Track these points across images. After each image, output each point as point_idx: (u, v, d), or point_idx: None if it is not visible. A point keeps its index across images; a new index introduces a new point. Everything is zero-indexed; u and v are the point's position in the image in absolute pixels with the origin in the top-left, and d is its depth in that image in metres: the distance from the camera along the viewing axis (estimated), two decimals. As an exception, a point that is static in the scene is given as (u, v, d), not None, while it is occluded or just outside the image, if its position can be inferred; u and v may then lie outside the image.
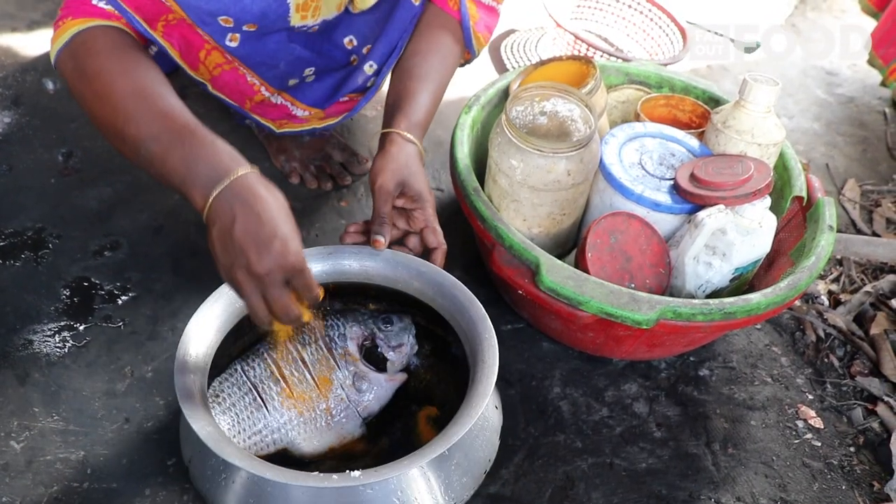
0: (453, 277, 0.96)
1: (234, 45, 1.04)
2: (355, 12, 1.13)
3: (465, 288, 0.95)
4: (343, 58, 1.22)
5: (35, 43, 1.61)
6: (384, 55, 1.19)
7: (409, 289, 0.98)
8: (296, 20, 1.03)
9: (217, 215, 0.78)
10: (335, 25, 1.16)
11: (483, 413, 0.84)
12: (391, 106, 1.08)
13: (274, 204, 0.78)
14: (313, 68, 1.20)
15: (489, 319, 0.91)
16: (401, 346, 0.97)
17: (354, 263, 0.99)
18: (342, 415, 0.92)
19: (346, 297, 1.04)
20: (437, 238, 0.99)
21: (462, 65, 1.24)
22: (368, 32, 1.18)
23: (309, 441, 0.91)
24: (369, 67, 1.21)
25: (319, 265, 0.98)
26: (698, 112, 1.22)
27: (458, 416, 0.81)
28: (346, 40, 1.19)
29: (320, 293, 0.82)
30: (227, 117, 1.45)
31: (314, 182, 1.34)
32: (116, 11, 0.92)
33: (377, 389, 0.94)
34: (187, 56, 1.05)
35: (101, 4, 0.92)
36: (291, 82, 1.20)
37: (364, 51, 1.21)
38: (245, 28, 1.02)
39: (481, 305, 0.93)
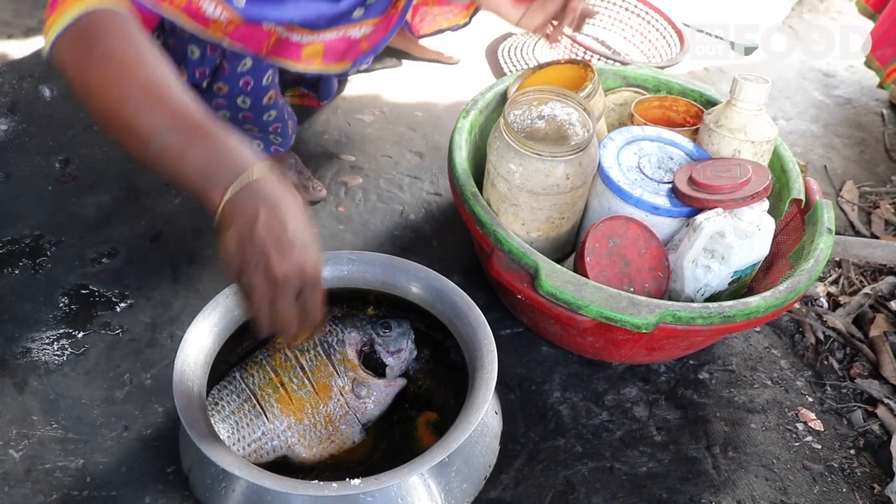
0: (452, 282, 0.96)
1: (241, 4, 0.96)
2: None
3: (464, 293, 0.95)
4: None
5: (31, 50, 1.61)
6: None
7: (408, 294, 0.98)
8: None
9: (238, 212, 0.72)
10: None
11: (483, 419, 0.84)
12: None
13: (298, 209, 0.74)
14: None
15: (488, 324, 0.91)
16: (399, 351, 0.97)
17: (353, 269, 0.99)
18: (342, 421, 0.92)
19: (345, 303, 1.04)
20: None
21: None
22: None
23: (309, 448, 0.91)
24: None
25: (318, 271, 0.98)
26: (692, 112, 1.22)
27: (458, 422, 0.81)
28: None
29: (321, 317, 0.79)
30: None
31: None
32: None
33: (376, 395, 0.94)
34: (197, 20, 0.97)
35: None
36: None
37: None
38: None
39: (480, 310, 0.93)
